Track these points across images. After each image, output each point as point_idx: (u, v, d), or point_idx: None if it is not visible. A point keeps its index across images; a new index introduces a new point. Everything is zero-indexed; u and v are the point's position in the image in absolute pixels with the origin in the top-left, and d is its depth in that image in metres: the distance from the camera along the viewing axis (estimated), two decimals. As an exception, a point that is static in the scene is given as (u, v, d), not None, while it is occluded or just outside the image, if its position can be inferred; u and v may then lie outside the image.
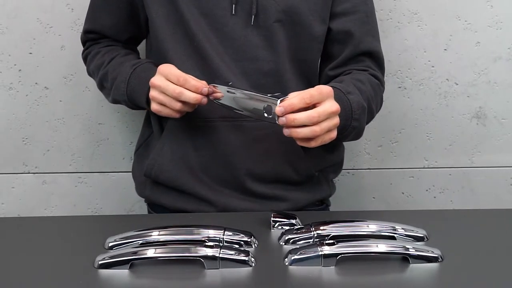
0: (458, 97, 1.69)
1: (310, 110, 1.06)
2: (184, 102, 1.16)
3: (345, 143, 1.69)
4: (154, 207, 1.37)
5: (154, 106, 1.20)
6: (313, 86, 1.32)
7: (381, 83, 1.34)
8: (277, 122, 1.07)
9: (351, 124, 1.17)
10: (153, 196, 1.34)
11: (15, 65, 1.61)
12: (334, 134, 1.10)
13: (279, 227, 1.11)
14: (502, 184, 1.74)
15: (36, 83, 1.63)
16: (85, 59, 1.41)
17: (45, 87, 1.63)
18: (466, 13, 1.64)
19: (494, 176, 1.73)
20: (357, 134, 1.22)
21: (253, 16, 1.23)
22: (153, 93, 1.19)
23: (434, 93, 1.68)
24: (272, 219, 1.12)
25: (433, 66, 1.67)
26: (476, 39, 1.65)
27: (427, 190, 1.75)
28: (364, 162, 1.73)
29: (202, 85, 1.15)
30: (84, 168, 1.69)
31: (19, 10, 1.58)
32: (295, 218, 1.12)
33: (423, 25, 1.64)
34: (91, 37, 1.39)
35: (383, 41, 1.64)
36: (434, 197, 1.75)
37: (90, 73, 1.41)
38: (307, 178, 1.31)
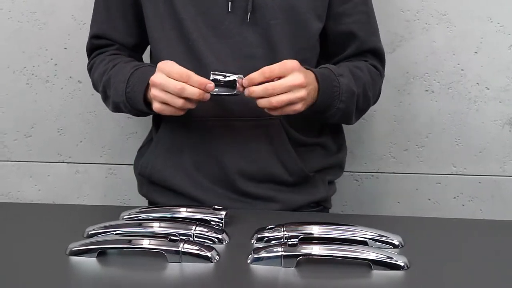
0: (489, 102, 1.62)
1: (267, 83, 1.12)
2: (186, 98, 1.13)
3: (368, 146, 1.68)
4: (152, 205, 1.39)
5: (156, 105, 1.16)
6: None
7: (381, 74, 1.34)
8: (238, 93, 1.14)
9: (337, 105, 1.20)
10: (150, 195, 1.37)
11: (51, 59, 1.70)
12: (298, 106, 1.14)
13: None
14: (535, 195, 1.66)
15: (70, 76, 1.71)
16: (90, 70, 1.37)
17: (79, 81, 1.71)
18: (499, 15, 1.57)
19: (526, 186, 1.66)
20: (345, 117, 1.25)
21: (249, 14, 1.23)
22: (154, 92, 1.15)
23: (464, 98, 1.62)
24: None
25: (462, 70, 1.61)
26: (509, 42, 1.58)
27: (454, 198, 1.69)
28: (389, 166, 1.69)
29: (206, 81, 1.12)
30: (113, 160, 1.76)
31: (55, 7, 1.67)
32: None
33: (452, 27, 1.59)
34: (98, 44, 1.36)
35: (409, 42, 1.61)
36: (463, 205, 1.69)
37: (94, 83, 1.36)
38: (300, 179, 1.30)
